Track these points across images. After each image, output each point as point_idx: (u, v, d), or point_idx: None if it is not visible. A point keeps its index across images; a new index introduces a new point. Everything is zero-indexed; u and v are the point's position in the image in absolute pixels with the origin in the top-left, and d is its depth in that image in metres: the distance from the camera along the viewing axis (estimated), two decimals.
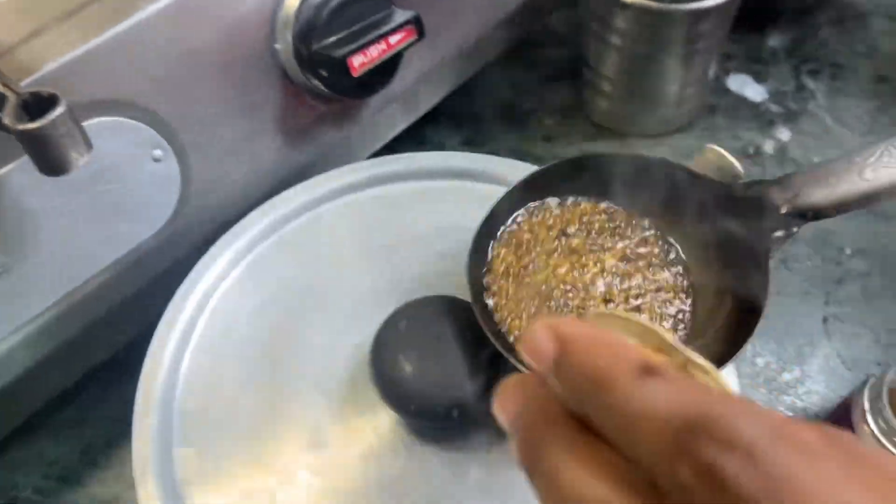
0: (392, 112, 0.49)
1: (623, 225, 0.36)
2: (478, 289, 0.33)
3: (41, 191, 0.34)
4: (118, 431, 0.45)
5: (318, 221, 0.41)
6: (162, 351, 0.36)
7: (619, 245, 0.35)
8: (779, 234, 0.32)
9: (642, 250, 0.35)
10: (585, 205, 0.36)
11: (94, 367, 0.43)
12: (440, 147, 0.55)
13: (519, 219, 0.36)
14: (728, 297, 0.33)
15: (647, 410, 0.15)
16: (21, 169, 0.32)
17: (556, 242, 0.35)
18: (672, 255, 0.35)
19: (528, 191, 0.36)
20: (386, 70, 0.41)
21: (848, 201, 0.32)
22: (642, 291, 0.34)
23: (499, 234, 0.36)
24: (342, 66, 0.38)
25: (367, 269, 0.39)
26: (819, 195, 0.32)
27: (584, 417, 0.16)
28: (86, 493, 0.43)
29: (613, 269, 0.34)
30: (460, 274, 0.38)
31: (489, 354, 0.32)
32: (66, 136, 0.29)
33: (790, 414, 0.45)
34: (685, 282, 0.34)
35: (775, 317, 0.48)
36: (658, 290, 0.34)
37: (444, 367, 0.32)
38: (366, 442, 0.34)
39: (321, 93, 0.41)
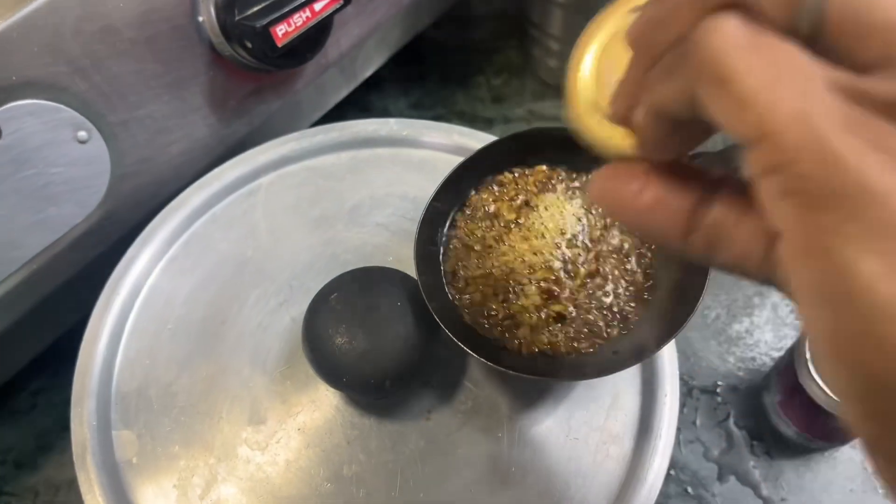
0: (331, 80, 0.48)
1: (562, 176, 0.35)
2: (425, 267, 0.33)
3: None
4: (69, 415, 0.45)
5: (254, 195, 0.40)
6: (97, 336, 0.36)
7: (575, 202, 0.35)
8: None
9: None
10: (532, 172, 0.36)
11: (39, 354, 0.43)
12: (386, 113, 0.54)
13: (472, 194, 0.35)
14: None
15: None
16: None
17: (512, 213, 0.35)
18: None
19: (476, 168, 0.35)
20: (314, 38, 0.40)
21: None
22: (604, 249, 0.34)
23: (453, 212, 0.35)
24: (266, 36, 0.37)
25: (304, 242, 0.38)
26: None
27: None
28: (42, 476, 0.43)
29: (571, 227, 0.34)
30: (397, 244, 0.38)
31: (422, 325, 0.32)
32: None
33: (740, 364, 0.45)
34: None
35: None
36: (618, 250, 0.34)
37: (376, 339, 0.31)
38: (304, 415, 0.34)
39: (250, 64, 0.40)
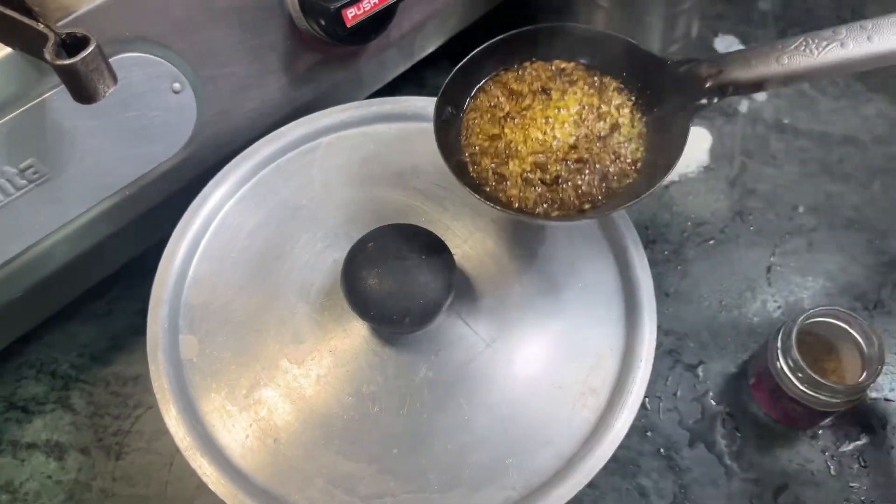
0: (390, 57, 0.54)
1: (580, 73, 0.41)
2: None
3: (76, 114, 0.41)
4: (141, 323, 0.52)
5: (313, 152, 0.47)
6: (174, 255, 0.43)
7: (577, 90, 0.40)
8: (702, 101, 0.37)
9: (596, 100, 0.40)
10: (541, 63, 0.41)
11: (122, 266, 0.51)
12: (438, 91, 0.60)
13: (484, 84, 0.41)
14: (652, 156, 0.38)
15: None
16: (59, 96, 0.39)
17: (526, 99, 0.40)
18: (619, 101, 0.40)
19: (489, 59, 0.40)
20: (379, 21, 0.46)
21: (763, 80, 0.36)
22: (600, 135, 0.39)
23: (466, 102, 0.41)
24: (337, 16, 0.43)
25: (351, 197, 0.45)
26: (740, 73, 0.36)
27: None
28: (112, 371, 0.51)
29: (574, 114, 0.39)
30: (431, 208, 0.44)
31: (439, 275, 0.38)
32: (95, 71, 0.35)
33: (724, 348, 0.51)
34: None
35: (722, 261, 0.53)
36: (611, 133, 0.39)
37: (401, 283, 0.38)
38: (336, 340, 0.41)
39: (321, 39, 0.46)
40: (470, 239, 0.43)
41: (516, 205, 0.37)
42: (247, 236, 0.44)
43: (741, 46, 0.62)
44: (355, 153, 0.47)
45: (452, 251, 0.39)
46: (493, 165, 0.38)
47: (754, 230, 0.54)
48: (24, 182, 0.41)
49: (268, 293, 0.42)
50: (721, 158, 0.57)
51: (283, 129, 0.47)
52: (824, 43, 0.35)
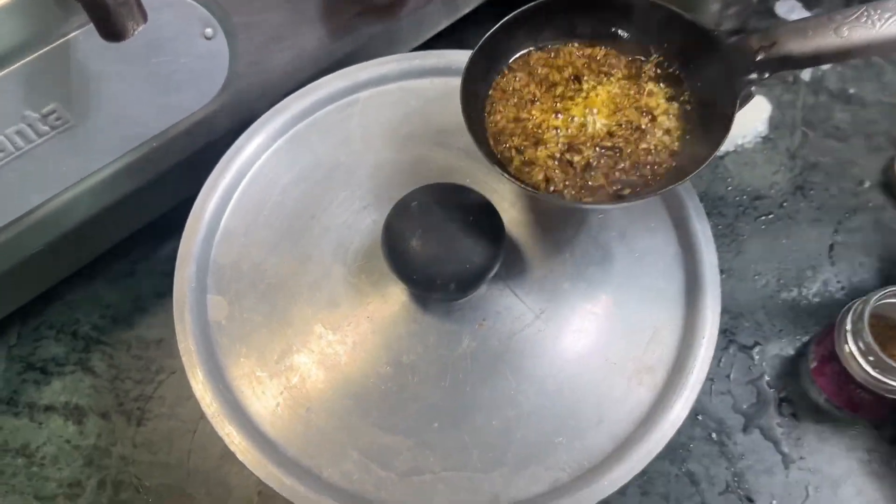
0: (432, 12, 0.51)
1: (614, 61, 0.37)
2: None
3: (104, 57, 0.38)
4: (165, 285, 0.50)
5: (352, 107, 0.44)
6: (203, 210, 0.40)
7: (612, 79, 0.37)
8: (752, 76, 0.34)
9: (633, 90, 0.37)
10: (574, 47, 0.38)
11: (147, 225, 0.48)
12: None
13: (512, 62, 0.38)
14: (692, 139, 0.35)
15: None
16: (85, 36, 0.36)
17: (559, 86, 0.37)
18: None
19: (522, 28, 0.37)
20: None
21: (820, 54, 0.33)
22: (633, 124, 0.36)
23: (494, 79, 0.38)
24: None
25: (392, 156, 0.42)
26: (795, 46, 0.33)
27: None
28: (134, 333, 0.49)
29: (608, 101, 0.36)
30: (475, 169, 0.41)
31: (487, 239, 0.35)
32: (125, 6, 0.32)
33: (782, 329, 0.47)
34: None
35: (782, 239, 0.50)
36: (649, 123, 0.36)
37: (447, 246, 0.35)
38: (374, 306, 0.38)
39: None
40: (518, 203, 0.40)
41: (543, 188, 0.35)
42: (280, 193, 0.41)
43: (804, 12, 0.58)
44: (396, 109, 0.44)
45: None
46: (518, 146, 0.36)
47: (816, 205, 0.51)
48: (46, 128, 0.39)
49: (301, 254, 0.40)
50: (781, 129, 0.54)
51: (319, 81, 0.44)
52: (887, 14, 0.32)
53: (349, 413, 0.36)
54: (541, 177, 0.35)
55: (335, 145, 0.43)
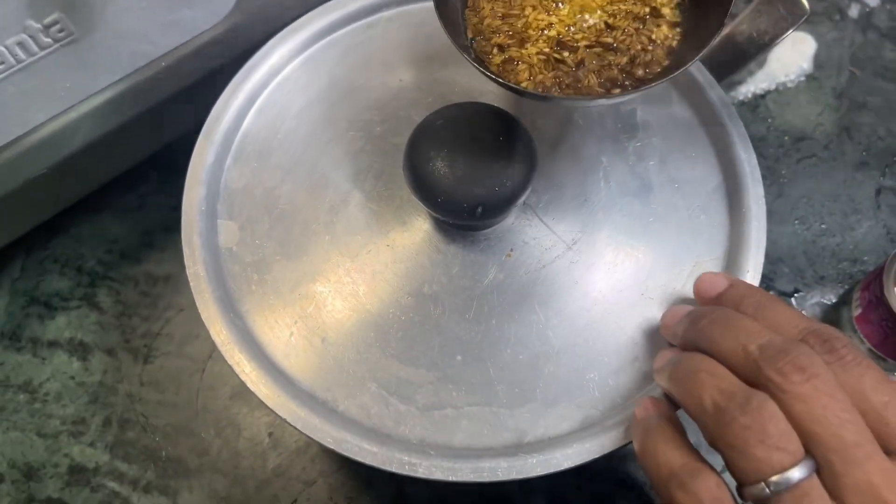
0: None
1: None
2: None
3: None
4: (175, 219, 0.48)
5: (373, 28, 0.41)
6: (213, 132, 0.38)
7: None
8: None
9: None
10: None
11: (155, 156, 0.46)
12: None
13: None
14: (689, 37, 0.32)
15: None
16: None
17: None
18: None
19: None
20: None
21: None
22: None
23: None
24: None
25: (414, 77, 0.39)
26: None
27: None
28: (142, 269, 0.47)
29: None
30: (507, 94, 0.38)
31: (519, 161, 0.33)
32: None
33: (824, 275, 0.45)
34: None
35: (824, 181, 0.47)
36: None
37: (475, 167, 0.32)
38: (395, 234, 0.36)
39: None
40: (550, 127, 0.38)
41: (528, 86, 0.32)
42: (295, 116, 0.39)
43: None
44: (420, 30, 0.41)
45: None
46: (502, 44, 0.33)
47: (863, 148, 0.48)
48: (48, 41, 0.37)
49: (318, 179, 0.37)
50: (826, 67, 0.51)
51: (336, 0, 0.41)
52: None
53: (367, 344, 0.34)
54: (526, 75, 0.32)
55: (354, 67, 0.40)
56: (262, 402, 0.33)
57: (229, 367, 0.33)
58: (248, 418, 0.43)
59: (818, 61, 0.51)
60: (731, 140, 0.37)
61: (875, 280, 0.41)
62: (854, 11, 0.52)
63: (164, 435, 0.42)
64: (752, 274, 0.34)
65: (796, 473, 0.23)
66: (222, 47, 0.42)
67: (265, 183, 0.37)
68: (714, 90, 0.38)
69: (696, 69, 0.39)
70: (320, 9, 0.41)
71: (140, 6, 0.38)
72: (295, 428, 0.32)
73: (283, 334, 0.34)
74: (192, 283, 0.34)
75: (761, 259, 0.34)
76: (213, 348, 0.44)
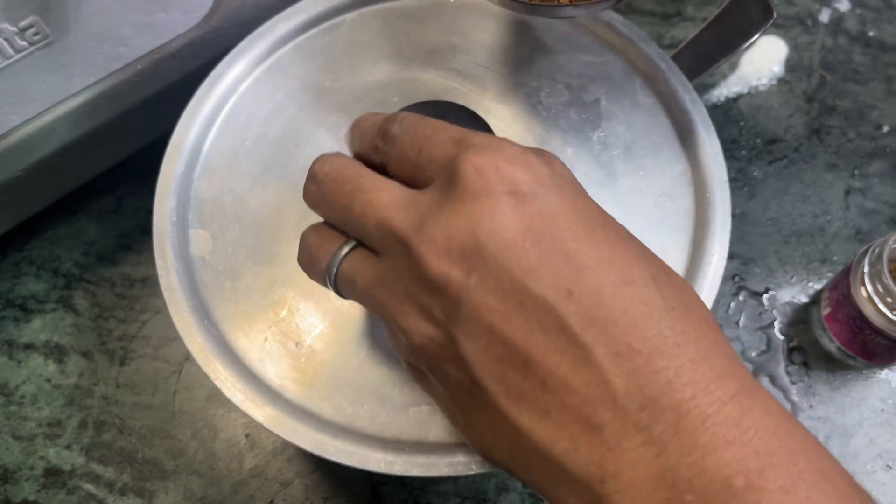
0: None
1: None
2: None
3: None
4: (151, 222, 0.48)
5: (337, 30, 0.41)
6: (182, 143, 0.37)
7: None
8: None
9: None
10: None
11: (132, 157, 0.46)
12: None
13: None
14: None
15: (372, 123, 0.28)
16: None
17: None
18: None
19: None
20: None
21: None
22: None
23: None
24: None
25: (380, 79, 0.39)
26: None
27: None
28: (119, 271, 0.47)
29: None
30: (470, 89, 0.39)
31: None
32: None
33: (794, 276, 0.46)
34: None
35: (795, 183, 0.48)
36: None
37: None
38: None
39: None
40: (514, 123, 0.38)
41: None
42: (262, 123, 0.39)
43: None
44: (384, 31, 0.41)
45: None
46: None
47: (832, 150, 0.49)
48: (24, 44, 0.37)
49: (287, 184, 0.37)
50: (797, 71, 0.51)
51: (300, 3, 0.41)
52: None
53: (341, 346, 0.34)
54: None
55: (320, 70, 0.40)
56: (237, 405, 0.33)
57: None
58: (225, 420, 0.43)
59: (789, 65, 0.52)
60: (693, 126, 0.37)
61: (843, 280, 0.42)
62: (825, 16, 0.53)
63: (140, 437, 0.42)
64: (717, 259, 0.34)
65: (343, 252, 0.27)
66: (199, 50, 0.42)
67: (235, 190, 0.37)
68: (676, 76, 0.39)
69: (658, 57, 0.39)
70: (284, 13, 0.41)
71: (115, 8, 0.38)
72: (272, 432, 0.32)
73: (257, 340, 0.34)
74: (165, 294, 0.34)
75: (726, 243, 0.34)
76: (190, 351, 0.44)
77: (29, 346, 0.45)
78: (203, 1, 0.40)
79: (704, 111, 0.37)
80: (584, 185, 0.36)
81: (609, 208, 0.36)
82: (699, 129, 0.37)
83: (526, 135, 0.38)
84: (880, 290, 0.39)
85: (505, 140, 0.25)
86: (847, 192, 0.48)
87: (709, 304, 0.33)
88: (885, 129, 0.49)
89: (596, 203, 0.26)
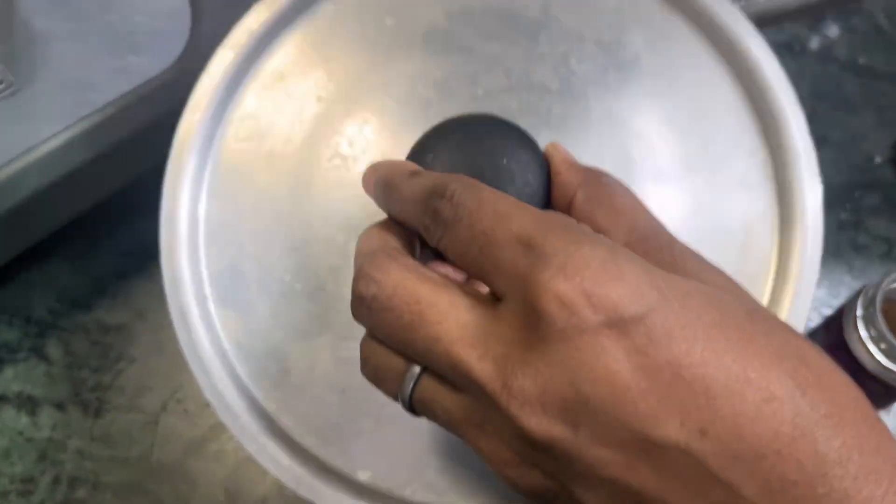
0: None
1: None
2: None
3: (51, 14, 0.35)
4: (126, 265, 0.47)
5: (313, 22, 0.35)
6: (175, 249, 0.33)
7: None
8: None
9: None
10: None
11: (104, 199, 0.45)
12: None
13: None
14: None
15: (412, 192, 0.23)
16: None
17: None
18: None
19: None
20: None
21: None
22: None
23: None
24: None
25: (379, 78, 0.34)
26: None
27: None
28: (93, 317, 0.45)
29: None
30: (485, 72, 0.33)
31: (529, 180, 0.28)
32: None
33: None
34: None
35: None
36: None
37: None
38: None
39: None
40: (553, 136, 0.32)
41: None
42: (261, 168, 0.34)
43: None
44: (370, 11, 0.34)
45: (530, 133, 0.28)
46: None
47: (824, 182, 0.48)
48: None
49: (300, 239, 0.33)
50: None
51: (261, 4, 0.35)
52: None
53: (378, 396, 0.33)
54: None
55: (310, 86, 0.35)
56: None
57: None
58: (204, 473, 0.41)
59: None
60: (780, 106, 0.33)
61: (836, 322, 0.41)
62: (814, 43, 0.52)
63: (115, 493, 0.41)
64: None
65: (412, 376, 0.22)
66: (171, 92, 0.40)
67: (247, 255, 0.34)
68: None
69: None
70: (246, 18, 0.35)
71: (84, 54, 0.37)
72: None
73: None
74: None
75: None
76: (167, 400, 0.43)
77: (1, 398, 0.43)
78: (174, 42, 0.39)
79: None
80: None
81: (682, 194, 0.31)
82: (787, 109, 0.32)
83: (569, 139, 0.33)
84: (874, 334, 0.38)
85: (585, 238, 0.20)
86: (839, 226, 0.47)
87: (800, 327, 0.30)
88: (878, 160, 0.49)
89: (700, 287, 0.20)
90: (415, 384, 0.22)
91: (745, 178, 0.32)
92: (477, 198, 0.21)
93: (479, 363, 0.20)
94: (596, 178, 0.27)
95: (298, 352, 0.32)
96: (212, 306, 0.33)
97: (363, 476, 0.31)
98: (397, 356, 0.22)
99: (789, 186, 0.32)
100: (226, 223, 0.34)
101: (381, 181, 0.25)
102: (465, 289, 0.21)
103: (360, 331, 0.23)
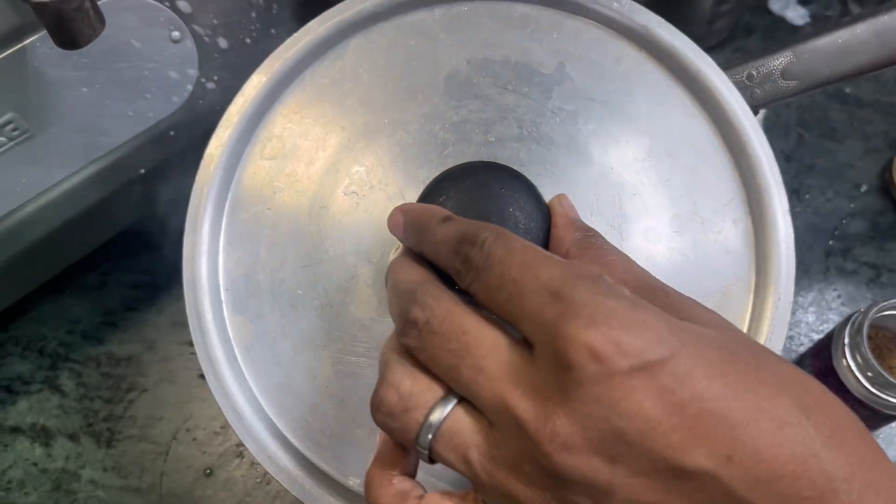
0: None
1: None
2: None
3: (63, 63, 0.36)
4: (136, 298, 0.48)
5: (342, 59, 0.36)
6: (197, 276, 0.34)
7: None
8: None
9: None
10: None
11: (115, 235, 0.46)
12: None
13: None
14: None
15: (444, 236, 0.24)
16: (42, 42, 0.34)
17: None
18: None
19: None
20: None
21: None
22: None
23: None
24: None
25: (399, 116, 0.35)
26: None
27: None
28: (104, 349, 0.47)
29: None
30: (498, 120, 0.34)
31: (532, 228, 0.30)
32: (80, 11, 0.30)
33: None
34: None
35: None
36: None
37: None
38: None
39: None
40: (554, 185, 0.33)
41: None
42: (283, 187, 0.34)
43: (799, 7, 0.56)
44: (393, 54, 0.35)
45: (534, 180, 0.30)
46: None
47: (812, 210, 0.49)
48: (2, 139, 0.37)
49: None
50: (775, 130, 0.52)
51: (297, 33, 0.35)
52: None
53: None
54: None
55: (331, 118, 0.35)
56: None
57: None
58: (213, 501, 0.43)
59: (767, 124, 0.52)
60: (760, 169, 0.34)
61: (824, 348, 0.42)
62: None
63: None
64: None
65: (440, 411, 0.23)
66: (182, 131, 0.42)
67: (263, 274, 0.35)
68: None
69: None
70: (276, 53, 0.37)
71: (95, 100, 0.38)
72: None
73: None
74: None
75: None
76: (177, 429, 0.44)
77: (15, 430, 0.45)
78: (182, 86, 0.41)
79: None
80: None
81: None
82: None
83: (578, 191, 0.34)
84: (860, 362, 0.39)
85: (610, 291, 0.21)
86: (827, 254, 0.48)
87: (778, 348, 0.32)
88: (864, 187, 0.50)
89: (707, 330, 0.23)
90: (448, 415, 0.22)
91: (727, 244, 0.34)
92: (507, 247, 0.22)
93: (522, 401, 0.21)
94: (588, 240, 0.28)
95: (302, 361, 0.34)
96: (226, 311, 0.34)
97: (353, 482, 0.32)
98: (436, 383, 0.23)
99: (766, 255, 0.33)
100: (245, 235, 0.35)
101: (412, 223, 0.27)
102: (505, 329, 0.23)
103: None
